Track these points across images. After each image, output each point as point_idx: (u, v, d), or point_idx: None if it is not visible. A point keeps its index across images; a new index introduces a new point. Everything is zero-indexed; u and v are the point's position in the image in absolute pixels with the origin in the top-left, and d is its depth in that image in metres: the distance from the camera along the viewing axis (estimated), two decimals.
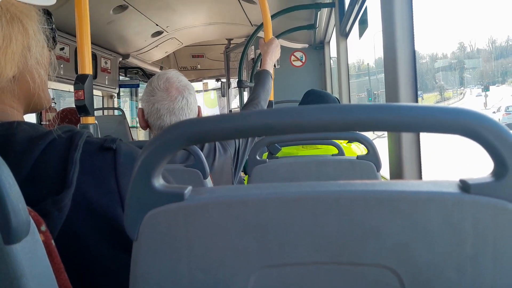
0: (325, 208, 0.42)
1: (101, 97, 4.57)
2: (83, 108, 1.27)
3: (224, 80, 4.98)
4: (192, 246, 0.43)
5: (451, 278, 0.41)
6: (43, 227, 0.51)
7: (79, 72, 1.30)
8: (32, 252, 0.48)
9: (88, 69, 1.30)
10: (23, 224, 0.47)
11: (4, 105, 0.66)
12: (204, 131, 0.41)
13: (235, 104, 4.95)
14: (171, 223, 0.43)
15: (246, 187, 0.45)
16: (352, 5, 2.23)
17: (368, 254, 0.42)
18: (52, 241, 0.52)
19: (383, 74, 1.16)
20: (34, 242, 0.49)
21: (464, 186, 0.41)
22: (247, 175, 1.56)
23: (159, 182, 0.44)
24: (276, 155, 1.71)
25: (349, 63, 2.64)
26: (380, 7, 1.21)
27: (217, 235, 0.43)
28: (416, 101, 1.17)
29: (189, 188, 0.45)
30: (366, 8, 2.13)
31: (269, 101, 2.17)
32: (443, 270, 0.41)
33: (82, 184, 0.61)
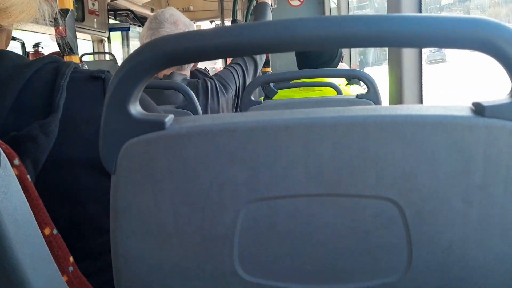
0: (320, 135, 0.38)
1: (91, 42, 4.41)
2: (65, 46, 1.20)
3: (218, 22, 4.79)
4: (175, 179, 0.40)
5: (457, 209, 0.38)
6: (16, 161, 0.47)
7: (59, 6, 1.20)
8: (5, 187, 0.45)
9: (68, 2, 1.21)
10: None
11: None
12: (185, 48, 0.36)
13: None
14: (151, 154, 0.39)
15: (233, 115, 0.41)
16: None
17: (367, 185, 0.38)
18: (28, 177, 0.48)
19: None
20: (6, 176, 0.45)
21: (478, 108, 0.37)
22: None
23: (136, 108, 0.39)
24: (273, 99, 1.65)
25: None
26: None
27: (202, 167, 0.39)
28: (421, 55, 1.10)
29: (171, 116, 0.40)
30: None
31: None
32: (449, 201, 0.38)
33: (69, 111, 0.59)
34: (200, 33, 0.36)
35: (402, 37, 0.35)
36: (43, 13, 0.65)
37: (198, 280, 0.43)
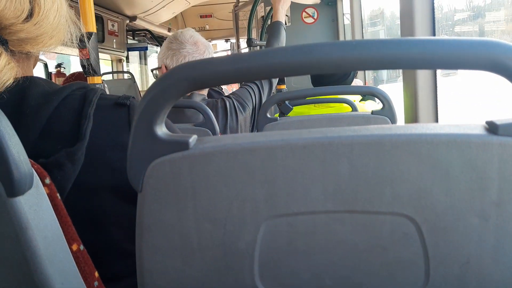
0: (337, 154, 0.39)
1: (110, 61, 4.52)
2: (89, 67, 1.24)
3: (233, 40, 4.87)
4: (198, 196, 0.41)
5: (473, 225, 0.39)
6: (47, 180, 0.50)
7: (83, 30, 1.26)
8: (37, 205, 0.47)
9: (91, 26, 1.26)
10: (26, 176, 0.45)
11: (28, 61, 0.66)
12: (208, 73, 0.39)
13: None
14: (176, 173, 0.41)
15: (253, 135, 0.43)
16: None
17: (383, 202, 0.40)
18: (58, 195, 0.51)
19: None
20: (38, 195, 0.48)
21: (491, 127, 0.38)
22: None
23: (162, 130, 0.41)
24: (288, 115, 1.67)
25: (364, 14, 2.54)
26: None
27: (224, 185, 0.41)
28: None
29: (194, 137, 0.42)
30: None
31: None
32: (465, 216, 0.39)
33: (95, 138, 0.61)
34: (222, 59, 0.39)
35: (414, 59, 0.37)
36: (71, 36, 0.68)
37: None
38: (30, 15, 0.59)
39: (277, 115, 1.83)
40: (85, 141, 0.59)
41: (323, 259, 0.42)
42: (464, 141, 0.37)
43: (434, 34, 1.10)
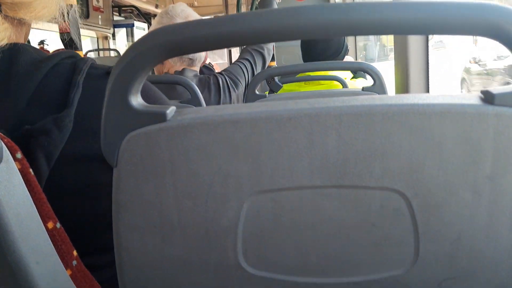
0: (325, 126, 0.37)
1: (96, 39, 4.41)
2: (69, 42, 1.19)
3: None
4: (177, 171, 0.39)
5: (465, 200, 0.37)
6: (19, 155, 0.47)
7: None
8: (7, 181, 0.44)
9: None
10: None
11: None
12: (188, 37, 0.36)
13: None
14: (152, 146, 0.39)
15: (235, 106, 0.40)
16: None
17: (373, 176, 0.38)
18: (31, 170, 0.48)
19: None
20: (8, 170, 0.45)
21: (487, 97, 0.36)
22: None
23: (137, 100, 0.38)
24: (278, 93, 1.64)
25: None
26: None
27: (204, 159, 0.39)
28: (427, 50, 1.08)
29: (172, 107, 0.40)
30: None
31: None
32: (457, 191, 0.37)
33: (84, 107, 0.60)
34: (203, 22, 0.36)
35: (407, 24, 0.34)
36: (62, 11, 0.66)
37: (201, 273, 0.42)
38: None
39: (267, 92, 1.80)
40: (73, 108, 0.58)
41: (309, 236, 0.40)
42: (458, 111, 0.35)
43: None
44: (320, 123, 0.37)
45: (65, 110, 0.57)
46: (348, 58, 1.96)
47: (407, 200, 0.38)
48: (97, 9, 3.95)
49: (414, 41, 1.07)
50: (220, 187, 0.39)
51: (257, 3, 2.83)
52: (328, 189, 0.39)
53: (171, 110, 0.39)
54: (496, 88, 0.36)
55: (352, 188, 0.38)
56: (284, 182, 0.39)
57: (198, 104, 1.18)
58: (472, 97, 0.36)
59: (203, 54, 1.52)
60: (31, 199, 0.47)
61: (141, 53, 0.36)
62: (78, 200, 0.61)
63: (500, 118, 0.35)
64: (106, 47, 4.44)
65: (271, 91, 1.69)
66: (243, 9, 3.24)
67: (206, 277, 0.42)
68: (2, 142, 0.44)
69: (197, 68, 1.49)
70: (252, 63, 1.60)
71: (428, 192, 0.38)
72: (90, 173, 0.61)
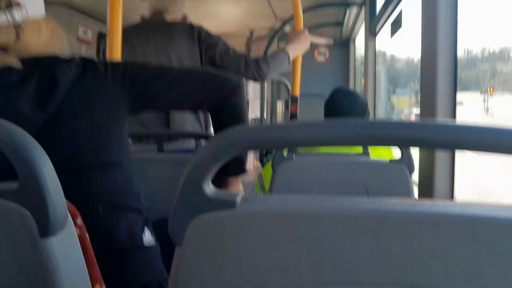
0: (391, 229, 0.38)
1: None
2: None
3: None
4: (240, 257, 0.40)
5: None
6: (79, 221, 0.48)
7: (108, 56, 1.27)
8: (67, 246, 0.46)
9: (116, 52, 1.27)
10: (61, 217, 0.44)
11: None
12: (265, 138, 0.38)
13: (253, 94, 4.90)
14: (220, 231, 0.40)
15: (301, 198, 0.42)
16: (385, 6, 2.16)
17: (434, 279, 0.38)
18: (87, 235, 0.49)
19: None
20: (69, 236, 0.46)
21: None
22: (266, 166, 1.51)
23: (209, 187, 0.40)
24: (297, 149, 1.66)
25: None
26: (421, 8, 1.14)
27: (269, 248, 0.40)
28: (455, 106, 1.10)
29: (240, 195, 0.42)
30: (400, 10, 2.07)
31: (295, 96, 2.11)
32: None
33: None
34: (280, 126, 0.39)
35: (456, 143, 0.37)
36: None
37: None
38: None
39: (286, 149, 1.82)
40: None
41: None
42: None
43: (456, 76, 1.08)
44: (386, 226, 0.38)
45: None
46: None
47: None
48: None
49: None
50: (278, 276, 0.40)
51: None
52: (389, 285, 0.39)
53: (239, 198, 0.41)
54: None
55: (412, 287, 0.39)
56: (345, 276, 0.39)
57: None
58: None
59: None
60: (85, 265, 0.48)
61: (221, 147, 0.39)
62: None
63: None
64: None
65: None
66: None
67: None
68: (67, 208, 0.46)
69: None
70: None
71: None
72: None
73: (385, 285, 0.39)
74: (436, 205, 0.39)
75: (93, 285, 0.49)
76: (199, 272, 0.41)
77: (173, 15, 1.53)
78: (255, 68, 1.46)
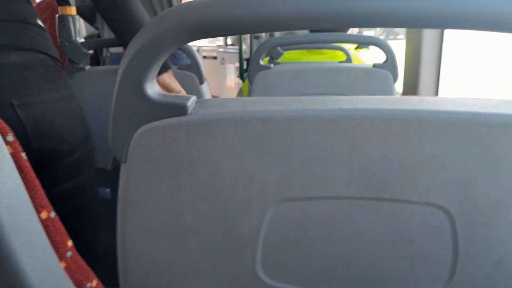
0: (370, 131, 0.32)
1: None
2: None
3: None
4: (196, 171, 0.34)
5: None
6: (10, 137, 0.41)
7: None
8: None
9: None
10: None
11: None
12: (216, 18, 0.30)
13: None
14: (169, 142, 0.33)
15: (266, 101, 0.35)
16: None
17: (417, 190, 0.33)
18: (23, 154, 0.43)
19: None
20: None
21: None
22: (246, 81, 1.43)
23: (153, 89, 0.33)
24: (278, 60, 1.57)
25: None
26: None
27: (229, 159, 0.34)
28: None
29: (193, 98, 0.34)
30: None
31: None
32: (508, 212, 0.33)
33: None
34: (235, 1, 0.30)
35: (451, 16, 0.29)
36: None
37: (214, 281, 0.38)
38: None
39: (266, 59, 1.72)
40: None
41: (337, 249, 0.36)
42: None
43: None
44: (365, 127, 0.32)
45: None
46: (353, 31, 1.88)
47: (451, 218, 0.34)
48: None
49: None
50: (242, 191, 0.35)
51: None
52: (365, 201, 0.34)
53: (191, 102, 0.34)
54: None
55: (392, 201, 0.34)
56: (316, 191, 0.34)
57: (199, 72, 1.10)
58: None
59: None
60: (23, 187, 0.41)
61: (160, 34, 0.30)
62: None
63: None
64: None
65: (271, 58, 1.61)
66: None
67: (219, 285, 0.38)
68: None
69: None
70: None
71: (475, 211, 0.34)
72: None
73: (362, 200, 0.34)
74: (425, 101, 0.33)
75: (38, 211, 0.44)
76: (150, 190, 0.35)
77: None
78: None
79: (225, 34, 0.31)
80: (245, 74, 3.23)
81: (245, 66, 3.19)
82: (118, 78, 0.32)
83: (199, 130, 0.33)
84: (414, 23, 0.28)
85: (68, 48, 1.19)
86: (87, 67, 1.15)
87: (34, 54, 0.65)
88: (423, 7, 0.27)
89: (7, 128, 0.41)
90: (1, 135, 0.40)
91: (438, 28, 0.30)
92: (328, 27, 0.29)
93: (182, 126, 0.33)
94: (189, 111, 0.33)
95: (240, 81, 3.59)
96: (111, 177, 1.32)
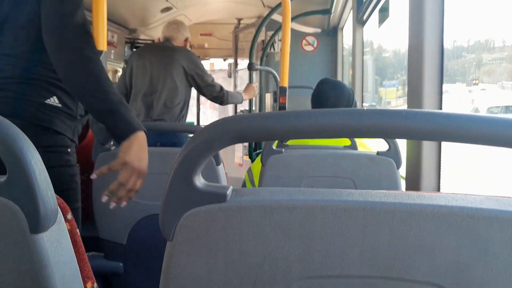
0: (379, 220, 0.39)
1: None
2: None
3: (231, 61, 4.90)
4: (230, 250, 0.41)
5: None
6: (69, 216, 0.48)
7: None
8: (58, 241, 0.46)
9: (102, 44, 1.25)
10: (51, 212, 0.44)
11: None
12: (254, 128, 0.38)
13: (240, 86, 4.88)
14: (210, 225, 0.40)
15: (291, 191, 0.42)
16: None
17: (420, 271, 0.39)
18: (78, 230, 0.49)
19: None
20: (60, 231, 0.46)
21: None
22: (255, 160, 1.52)
23: (200, 180, 0.41)
24: (286, 143, 1.67)
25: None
26: None
27: (258, 240, 0.40)
28: (441, 97, 1.12)
29: (230, 188, 0.42)
30: None
31: (283, 87, 2.12)
32: None
33: None
34: (270, 115, 0.39)
35: (453, 134, 0.37)
36: None
37: None
38: None
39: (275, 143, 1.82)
40: None
41: None
42: (506, 218, 0.38)
43: (442, 67, 1.09)
44: (375, 217, 0.39)
45: None
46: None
47: None
48: (110, 44, 4.04)
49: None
50: (269, 268, 0.41)
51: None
52: (375, 279, 0.40)
53: (230, 191, 0.41)
54: None
55: (399, 280, 0.40)
56: (334, 270, 0.40)
57: (216, 154, 1.20)
58: None
59: None
60: (76, 260, 0.48)
61: (209, 139, 0.39)
62: None
63: None
64: (115, 81, 4.52)
65: (281, 141, 1.71)
66: (254, 57, 3.33)
67: None
68: (57, 204, 0.46)
69: None
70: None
71: None
72: None
73: (373, 278, 0.40)
74: (422, 196, 0.40)
75: (84, 282, 0.49)
76: (190, 266, 0.41)
77: (177, 41, 2.23)
78: (222, 96, 2.22)
79: (255, 140, 0.40)
80: (254, 153, 3.35)
81: (253, 145, 3.33)
82: (172, 171, 0.40)
83: (235, 214, 0.40)
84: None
85: (95, 128, 1.30)
86: (113, 147, 1.26)
87: None
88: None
89: (67, 208, 0.48)
90: (63, 214, 0.47)
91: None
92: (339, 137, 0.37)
93: (221, 211, 0.40)
94: (228, 199, 0.40)
95: (248, 158, 3.71)
96: (125, 252, 1.36)
